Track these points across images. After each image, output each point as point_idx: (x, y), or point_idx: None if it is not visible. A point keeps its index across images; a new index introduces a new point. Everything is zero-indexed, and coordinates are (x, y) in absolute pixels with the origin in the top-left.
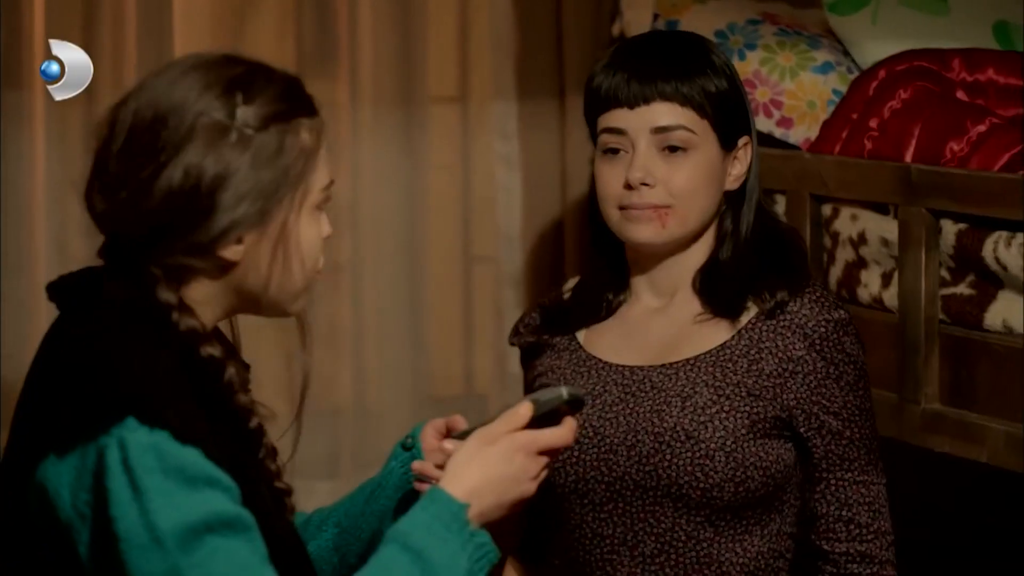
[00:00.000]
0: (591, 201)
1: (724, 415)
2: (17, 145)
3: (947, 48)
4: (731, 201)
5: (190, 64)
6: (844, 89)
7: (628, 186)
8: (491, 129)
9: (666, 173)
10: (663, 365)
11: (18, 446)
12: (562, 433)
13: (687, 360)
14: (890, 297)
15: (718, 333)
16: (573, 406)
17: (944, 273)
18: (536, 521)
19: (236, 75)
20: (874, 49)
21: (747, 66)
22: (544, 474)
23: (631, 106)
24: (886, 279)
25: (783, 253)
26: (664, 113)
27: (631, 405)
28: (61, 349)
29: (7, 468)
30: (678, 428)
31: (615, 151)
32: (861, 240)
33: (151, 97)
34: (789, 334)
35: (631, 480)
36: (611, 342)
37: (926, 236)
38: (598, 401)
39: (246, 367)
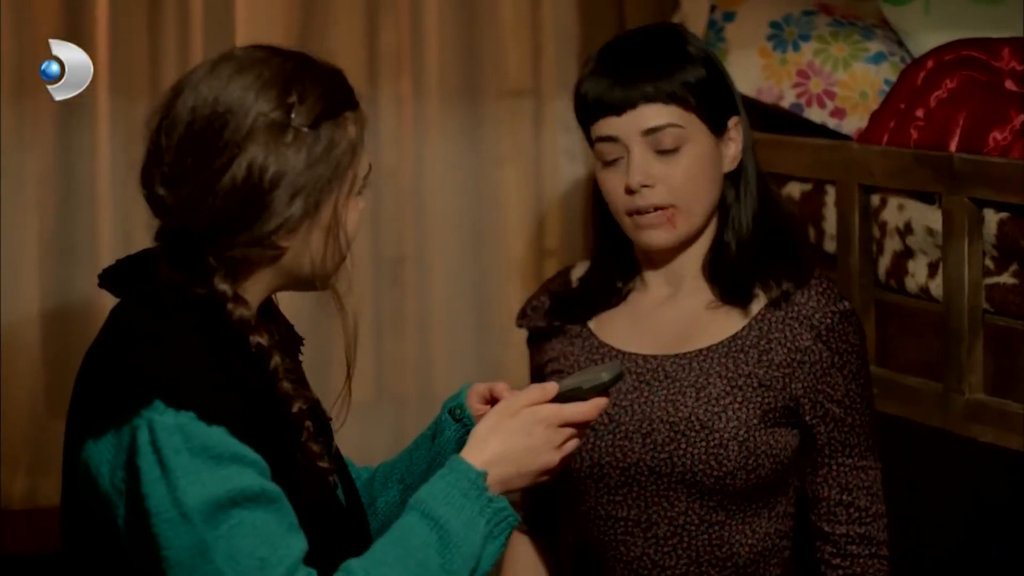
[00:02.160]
0: (595, 198)
1: (737, 405)
2: (81, 139)
3: (997, 37)
4: (731, 180)
5: (242, 61)
6: (896, 79)
7: (630, 190)
8: (555, 123)
9: (664, 172)
10: (676, 355)
11: (69, 427)
12: (585, 410)
13: (700, 350)
14: (936, 287)
15: (729, 323)
16: (608, 389)
17: (988, 263)
18: (545, 498)
19: (288, 73)
20: (927, 39)
21: (801, 57)
22: (571, 446)
23: (619, 112)
24: (932, 269)
25: (788, 242)
26: (651, 115)
27: (645, 394)
28: (105, 334)
29: (66, 448)
30: (692, 418)
31: (613, 160)
32: (907, 230)
33: (208, 94)
34: (797, 325)
35: (645, 466)
36: (623, 330)
37: (969, 226)
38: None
39: (300, 340)
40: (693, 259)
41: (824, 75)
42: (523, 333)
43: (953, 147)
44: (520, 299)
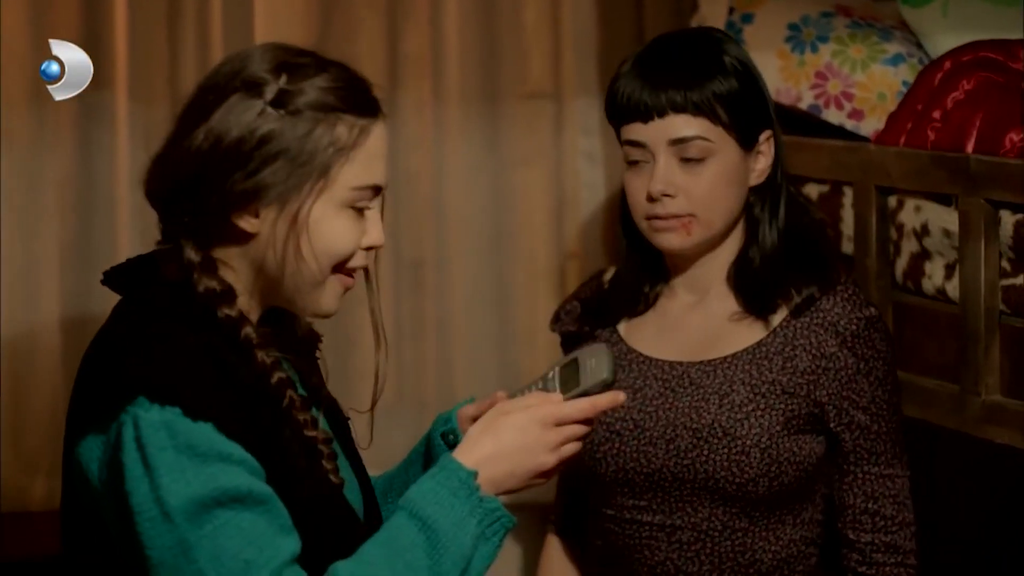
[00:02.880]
0: (623, 200)
1: (760, 413)
2: (100, 144)
3: (1015, 39)
4: (759, 194)
5: (267, 44)
6: (913, 81)
7: (651, 198)
8: (574, 125)
9: (686, 182)
10: (701, 362)
11: (66, 426)
12: (582, 407)
13: (724, 358)
14: (953, 288)
15: (753, 331)
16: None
17: (1004, 264)
18: (575, 501)
19: (294, 59)
20: (946, 41)
21: (819, 58)
22: (569, 448)
23: (645, 120)
24: (949, 270)
25: (813, 249)
26: (679, 125)
27: (670, 400)
28: (100, 333)
29: (64, 448)
30: (715, 425)
31: (637, 162)
32: (924, 231)
33: (218, 67)
34: (822, 331)
35: (669, 472)
36: (651, 336)
37: (985, 227)
38: (639, 395)
39: (318, 338)
40: (718, 267)
41: (842, 77)
42: (545, 336)
43: (970, 148)
44: (541, 302)
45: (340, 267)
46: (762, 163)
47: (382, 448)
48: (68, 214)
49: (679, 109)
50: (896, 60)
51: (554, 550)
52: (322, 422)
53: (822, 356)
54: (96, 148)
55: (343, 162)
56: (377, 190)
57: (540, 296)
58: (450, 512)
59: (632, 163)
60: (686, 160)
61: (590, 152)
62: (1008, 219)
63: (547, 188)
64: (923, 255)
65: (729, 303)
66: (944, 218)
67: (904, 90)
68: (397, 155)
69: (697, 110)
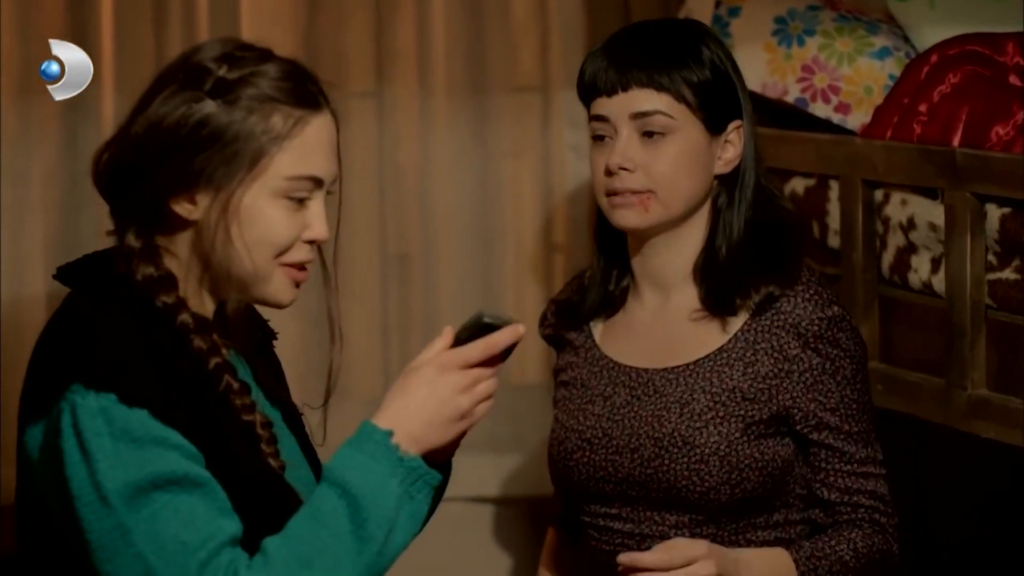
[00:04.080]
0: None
1: (719, 420)
2: (86, 139)
3: (1001, 32)
4: (725, 184)
5: (218, 38)
6: (900, 74)
7: (609, 172)
8: (562, 118)
9: (646, 158)
10: (665, 369)
11: (18, 418)
12: (483, 345)
13: (687, 365)
14: (939, 282)
15: (714, 335)
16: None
17: (991, 258)
18: (570, 501)
19: (236, 52)
20: (932, 34)
21: (806, 52)
22: (483, 388)
23: (609, 93)
24: (935, 264)
25: (776, 245)
26: (641, 99)
27: (635, 408)
28: (47, 323)
29: (17, 440)
30: (675, 434)
31: (601, 138)
32: (910, 225)
33: (171, 60)
34: (783, 334)
35: (635, 481)
36: (620, 341)
37: (971, 221)
38: (608, 402)
39: (272, 335)
40: (682, 262)
41: (829, 70)
42: (533, 329)
43: (956, 142)
44: (528, 295)
45: (281, 259)
46: (730, 152)
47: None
48: (55, 210)
49: (643, 84)
50: (883, 54)
51: (556, 544)
52: (264, 406)
53: (784, 359)
54: (82, 144)
55: (276, 151)
56: (318, 182)
57: (527, 289)
58: (368, 475)
59: (596, 138)
60: (648, 135)
61: (577, 145)
62: (994, 213)
63: (534, 181)
64: (909, 249)
65: (692, 302)
66: (930, 212)
67: (891, 84)
68: (384, 148)
69: (661, 88)
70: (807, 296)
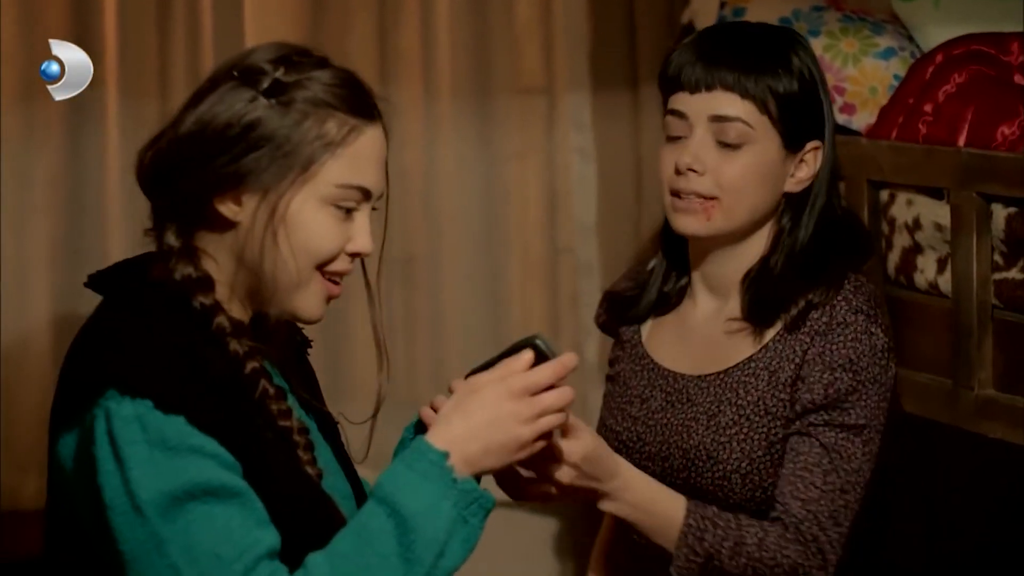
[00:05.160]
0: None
1: (742, 437)
2: (89, 141)
3: (1006, 32)
4: (793, 204)
5: (274, 42)
6: (905, 74)
7: (678, 170)
8: (566, 121)
9: (717, 163)
10: (698, 377)
11: (49, 425)
12: (550, 368)
13: (717, 374)
14: (945, 282)
15: (747, 344)
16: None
17: (997, 258)
18: None
19: (295, 55)
20: (937, 33)
21: None
22: (547, 421)
23: (692, 90)
24: (941, 264)
25: (828, 259)
26: (724, 102)
27: (668, 415)
28: (79, 332)
29: (48, 447)
30: (701, 447)
31: (676, 137)
32: (916, 226)
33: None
34: (807, 339)
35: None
36: (668, 344)
37: (977, 221)
38: (644, 406)
39: (307, 342)
40: (738, 271)
41: (834, 70)
42: (540, 329)
43: (961, 142)
44: (533, 297)
45: (322, 269)
46: (804, 172)
47: (374, 446)
48: (59, 212)
49: (728, 87)
50: (887, 54)
51: (608, 539)
52: (299, 413)
53: (803, 362)
54: (86, 145)
55: (328, 158)
56: (366, 194)
57: (533, 291)
58: (420, 496)
59: (669, 138)
60: (722, 144)
61: (582, 147)
62: (1000, 212)
63: (539, 183)
64: (915, 249)
65: (739, 311)
66: (936, 212)
67: (896, 84)
68: (389, 151)
69: (746, 94)
70: (847, 306)
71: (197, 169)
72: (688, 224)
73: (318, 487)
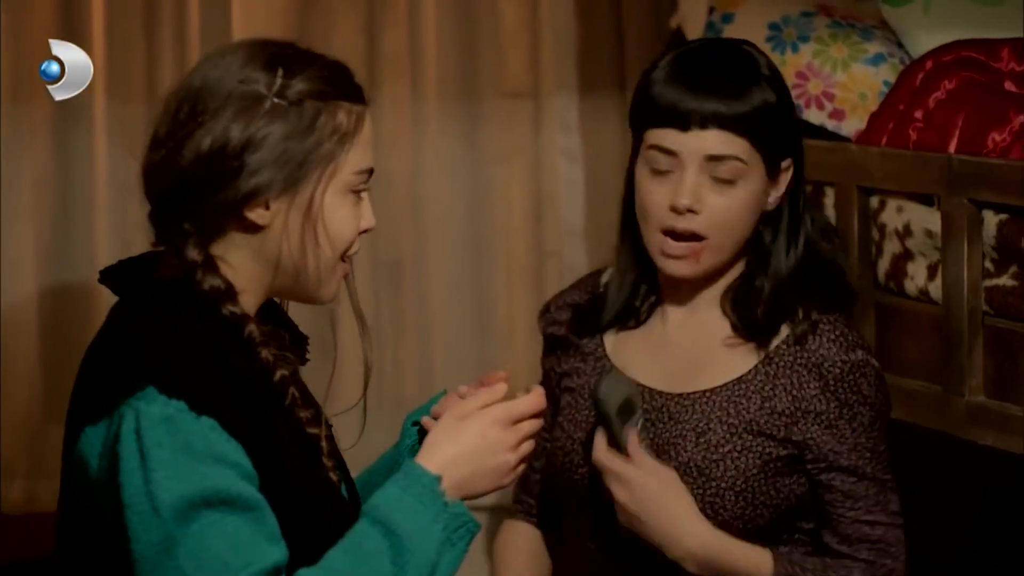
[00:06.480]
0: (626, 206)
1: (736, 454)
2: (77, 143)
3: (996, 38)
4: (768, 221)
5: (245, 41)
6: (895, 81)
7: (675, 209)
8: (553, 123)
9: (712, 201)
10: (680, 395)
11: (67, 423)
12: (532, 400)
13: (703, 392)
14: (936, 289)
15: (733, 364)
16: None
17: (987, 264)
18: (554, 498)
19: (283, 53)
20: (927, 39)
21: (800, 58)
22: (527, 447)
23: (684, 128)
24: (931, 271)
25: (825, 279)
26: (720, 141)
27: (650, 434)
28: (105, 330)
29: (64, 445)
30: (691, 464)
31: (663, 172)
32: (907, 232)
33: (201, 69)
34: (805, 372)
35: None
36: (637, 356)
37: (968, 227)
38: None
39: (304, 339)
40: (716, 291)
41: (823, 76)
42: (524, 334)
43: (952, 148)
44: (520, 300)
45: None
46: (781, 189)
47: (361, 447)
48: (45, 215)
49: (722, 126)
50: (877, 60)
51: (525, 539)
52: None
53: (802, 398)
54: (74, 148)
55: (347, 148)
56: (371, 173)
57: (519, 294)
58: (415, 518)
59: (655, 171)
60: (715, 180)
61: (569, 150)
62: (991, 219)
63: (526, 186)
64: (905, 256)
65: (720, 327)
66: (926, 218)
67: (885, 90)
68: (375, 153)
69: (738, 127)
70: (833, 337)
71: (223, 188)
72: (679, 268)
73: (339, 494)
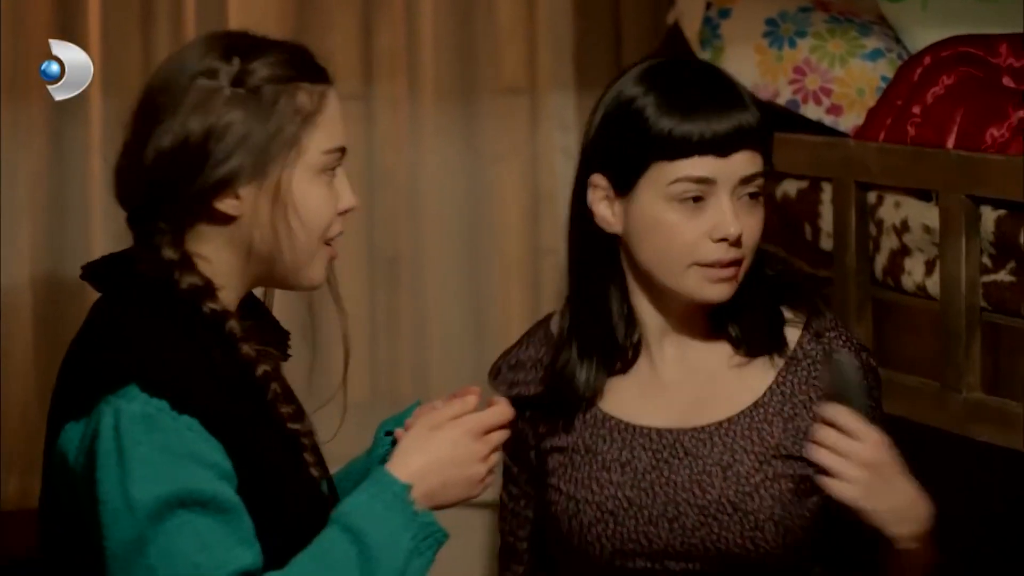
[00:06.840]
0: (577, 230)
1: (769, 482)
2: (74, 140)
3: (995, 33)
4: None
5: (202, 35)
6: (893, 76)
7: (723, 240)
8: (550, 121)
9: (747, 223)
10: (694, 428)
11: (48, 420)
12: (499, 411)
13: (720, 423)
14: (933, 285)
15: (745, 390)
16: None
17: (985, 260)
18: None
19: (238, 42)
20: (924, 35)
21: (797, 54)
22: (495, 457)
23: (722, 153)
24: (929, 267)
25: (795, 283)
26: (749, 161)
27: (666, 474)
28: (86, 327)
29: (45, 443)
30: (723, 500)
31: (698, 199)
32: (904, 228)
33: (161, 67)
34: (820, 385)
35: (675, 552)
36: (629, 399)
37: (966, 223)
38: (628, 468)
39: (286, 334)
40: (700, 314)
41: (821, 72)
42: (520, 331)
43: (950, 144)
44: (516, 298)
45: (325, 236)
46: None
47: (355, 444)
48: (41, 211)
49: (749, 145)
50: (875, 55)
51: None
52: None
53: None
54: (70, 145)
55: (311, 129)
56: (343, 151)
57: (515, 292)
58: (383, 526)
59: (685, 200)
60: (747, 197)
61: (566, 147)
62: (989, 215)
63: (523, 184)
64: (903, 251)
65: (718, 353)
66: (924, 214)
67: (883, 85)
68: (372, 151)
69: (758, 147)
70: (840, 343)
71: (189, 182)
72: (723, 291)
73: (320, 490)
